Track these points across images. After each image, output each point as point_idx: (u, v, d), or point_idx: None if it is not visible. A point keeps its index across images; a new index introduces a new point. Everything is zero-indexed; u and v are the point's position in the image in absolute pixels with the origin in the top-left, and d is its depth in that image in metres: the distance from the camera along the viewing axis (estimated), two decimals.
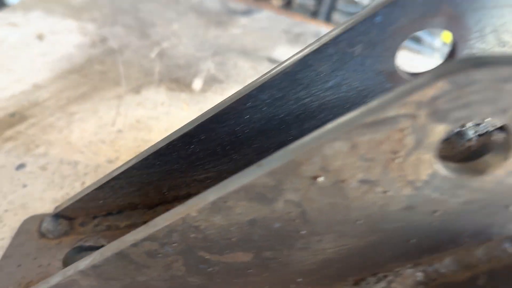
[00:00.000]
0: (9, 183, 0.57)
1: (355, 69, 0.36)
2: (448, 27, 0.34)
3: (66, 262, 0.46)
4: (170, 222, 0.31)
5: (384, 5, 0.33)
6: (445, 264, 0.32)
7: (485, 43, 0.35)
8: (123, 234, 0.47)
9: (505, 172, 0.27)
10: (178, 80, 0.80)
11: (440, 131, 0.26)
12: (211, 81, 0.81)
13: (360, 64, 0.36)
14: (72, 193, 0.57)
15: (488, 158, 0.27)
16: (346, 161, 0.27)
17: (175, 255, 0.34)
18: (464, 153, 0.39)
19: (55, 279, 0.37)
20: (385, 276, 0.34)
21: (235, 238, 0.32)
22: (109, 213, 0.48)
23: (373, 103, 0.26)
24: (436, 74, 0.24)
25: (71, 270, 0.36)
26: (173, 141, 0.41)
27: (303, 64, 0.36)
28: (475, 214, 0.30)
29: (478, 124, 0.39)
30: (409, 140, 0.26)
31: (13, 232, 0.52)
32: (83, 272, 0.35)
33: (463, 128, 0.39)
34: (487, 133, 0.39)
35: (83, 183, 0.58)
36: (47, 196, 0.56)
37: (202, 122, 0.40)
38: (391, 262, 0.33)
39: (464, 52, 0.35)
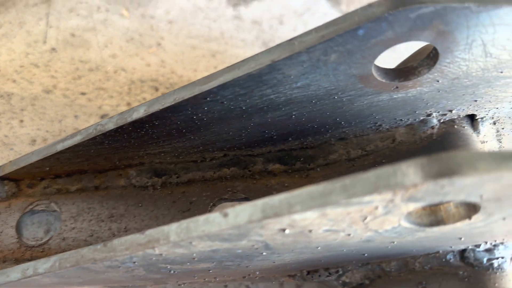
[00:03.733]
0: None
1: (327, 73, 0.33)
2: (434, 42, 0.30)
3: (20, 229, 0.45)
4: (130, 251, 0.31)
5: (370, 20, 0.28)
6: (392, 265, 0.35)
7: (470, 54, 0.32)
8: (75, 198, 0.45)
9: (463, 224, 0.28)
10: None
11: (411, 207, 0.25)
12: None
13: (333, 69, 0.32)
14: (10, 134, 0.52)
15: (453, 213, 0.28)
16: (314, 221, 0.27)
17: (136, 267, 0.34)
18: (425, 140, 0.40)
19: (15, 274, 0.37)
20: (337, 272, 0.37)
21: (197, 258, 0.32)
22: (58, 176, 0.46)
23: (351, 183, 0.24)
24: (425, 173, 0.22)
25: (30, 270, 0.36)
26: (122, 126, 0.37)
27: (270, 68, 0.32)
28: (427, 242, 0.32)
29: (445, 114, 0.39)
30: (380, 211, 0.25)
31: None
32: (43, 274, 0.35)
33: (427, 117, 0.39)
34: (451, 121, 0.39)
35: (22, 121, 0.53)
36: None
37: (155, 112, 0.36)
38: (344, 263, 0.36)
39: (446, 61, 0.32)
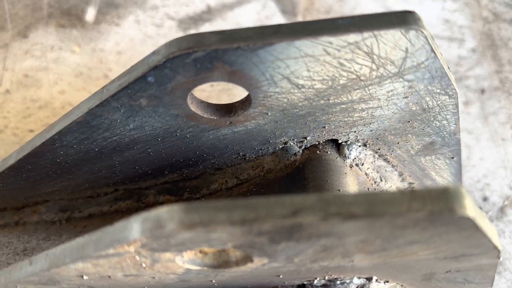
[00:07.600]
0: None
1: (150, 115, 0.33)
2: (231, 81, 0.30)
3: None
4: None
5: (152, 68, 0.29)
6: None
7: (279, 88, 0.31)
8: None
9: (248, 268, 0.28)
10: (69, 12, 0.73)
11: (170, 255, 0.26)
12: (106, 7, 0.73)
13: (153, 111, 0.33)
14: None
15: (237, 257, 0.28)
16: (98, 269, 0.28)
17: None
18: (290, 167, 0.39)
19: None
20: None
21: None
22: None
23: (99, 237, 0.25)
24: (143, 229, 0.23)
25: None
26: (3, 172, 0.41)
27: (92, 115, 0.33)
28: (252, 279, 0.31)
29: (302, 140, 0.38)
30: (146, 261, 0.26)
31: None
32: None
33: (287, 145, 0.38)
34: (314, 147, 0.38)
35: None
36: None
37: (21, 158, 0.39)
38: None
39: (260, 96, 0.32)
